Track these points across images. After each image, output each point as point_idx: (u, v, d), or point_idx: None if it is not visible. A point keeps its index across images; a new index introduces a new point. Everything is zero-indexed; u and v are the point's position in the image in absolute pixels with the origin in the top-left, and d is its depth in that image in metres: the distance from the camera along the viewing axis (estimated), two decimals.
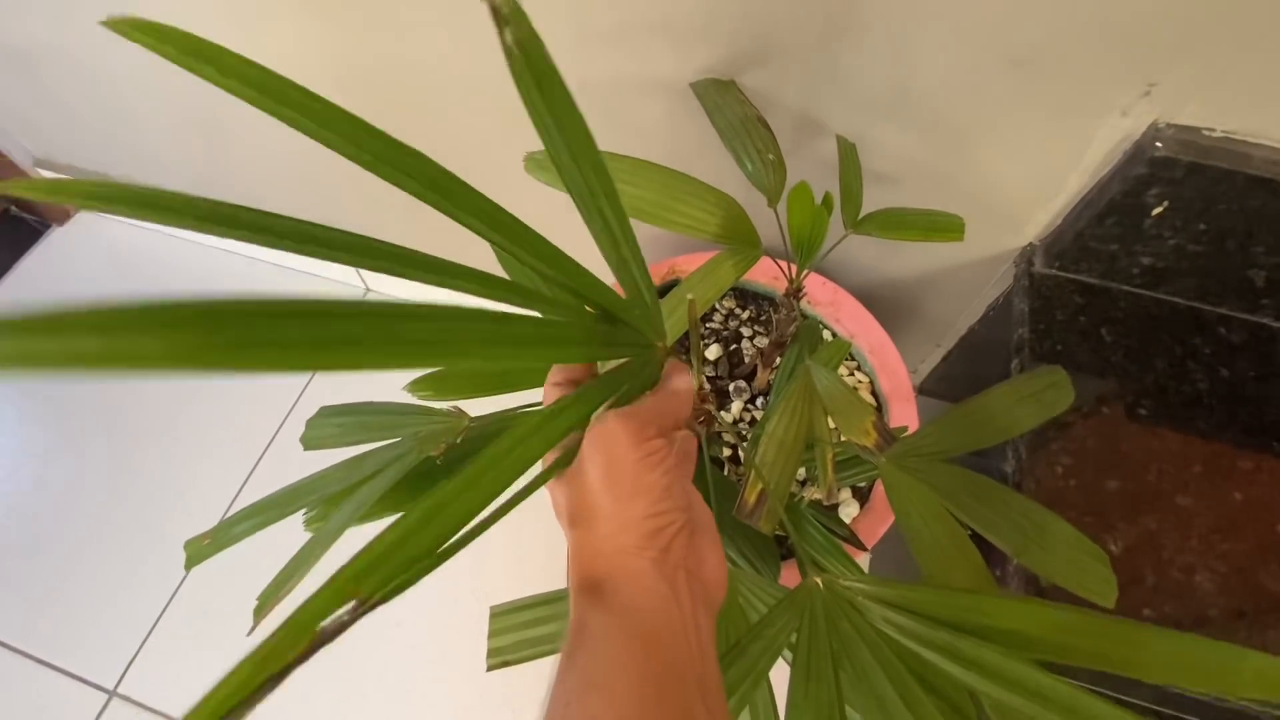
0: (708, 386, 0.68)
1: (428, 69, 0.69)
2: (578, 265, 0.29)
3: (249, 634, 0.38)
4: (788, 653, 0.29)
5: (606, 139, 0.65)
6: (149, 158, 1.05)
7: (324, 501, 0.42)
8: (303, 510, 0.42)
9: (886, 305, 0.76)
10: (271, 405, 1.05)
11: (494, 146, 0.76)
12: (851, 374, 0.68)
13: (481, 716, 0.82)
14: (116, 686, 0.84)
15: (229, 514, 0.93)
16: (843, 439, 0.40)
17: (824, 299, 0.69)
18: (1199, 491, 0.49)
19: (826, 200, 0.41)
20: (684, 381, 0.32)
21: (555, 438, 0.25)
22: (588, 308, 0.29)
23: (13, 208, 1.27)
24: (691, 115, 0.58)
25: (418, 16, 0.63)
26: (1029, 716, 0.25)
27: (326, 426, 0.46)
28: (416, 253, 0.26)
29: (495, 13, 0.25)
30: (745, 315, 0.72)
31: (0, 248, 1.23)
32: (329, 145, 0.26)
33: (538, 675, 0.82)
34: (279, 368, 0.16)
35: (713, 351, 0.69)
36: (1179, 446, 0.51)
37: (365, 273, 1.11)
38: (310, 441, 0.46)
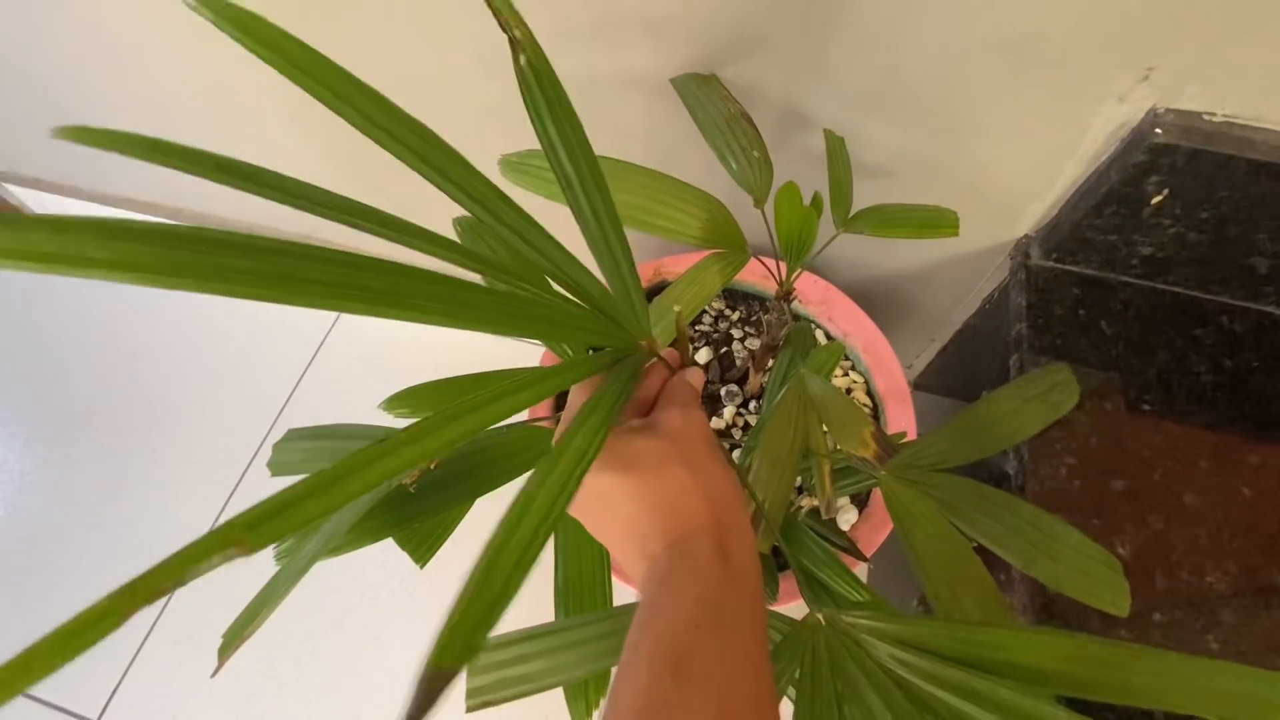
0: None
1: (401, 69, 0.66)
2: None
3: (213, 675, 0.36)
4: (792, 689, 0.27)
5: (592, 134, 0.62)
6: (116, 169, 1.01)
7: (286, 548, 0.40)
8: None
9: (879, 301, 0.74)
10: (251, 423, 1.02)
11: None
12: (846, 374, 0.66)
13: None
14: (100, 717, 0.81)
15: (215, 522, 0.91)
16: (840, 450, 0.38)
17: (816, 298, 0.67)
18: (1206, 489, 0.48)
19: (816, 201, 0.39)
20: (698, 378, 0.35)
21: (526, 403, 0.24)
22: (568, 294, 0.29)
23: None
24: (672, 112, 0.56)
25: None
26: None
27: (294, 451, 0.44)
28: (386, 214, 0.26)
29: (513, 43, 0.30)
30: (735, 316, 0.70)
31: None
32: (379, 140, 0.30)
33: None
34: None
35: (703, 355, 0.67)
36: (1184, 442, 0.50)
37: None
38: (277, 468, 0.43)
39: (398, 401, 0.47)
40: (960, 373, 0.80)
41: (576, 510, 0.30)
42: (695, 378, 0.36)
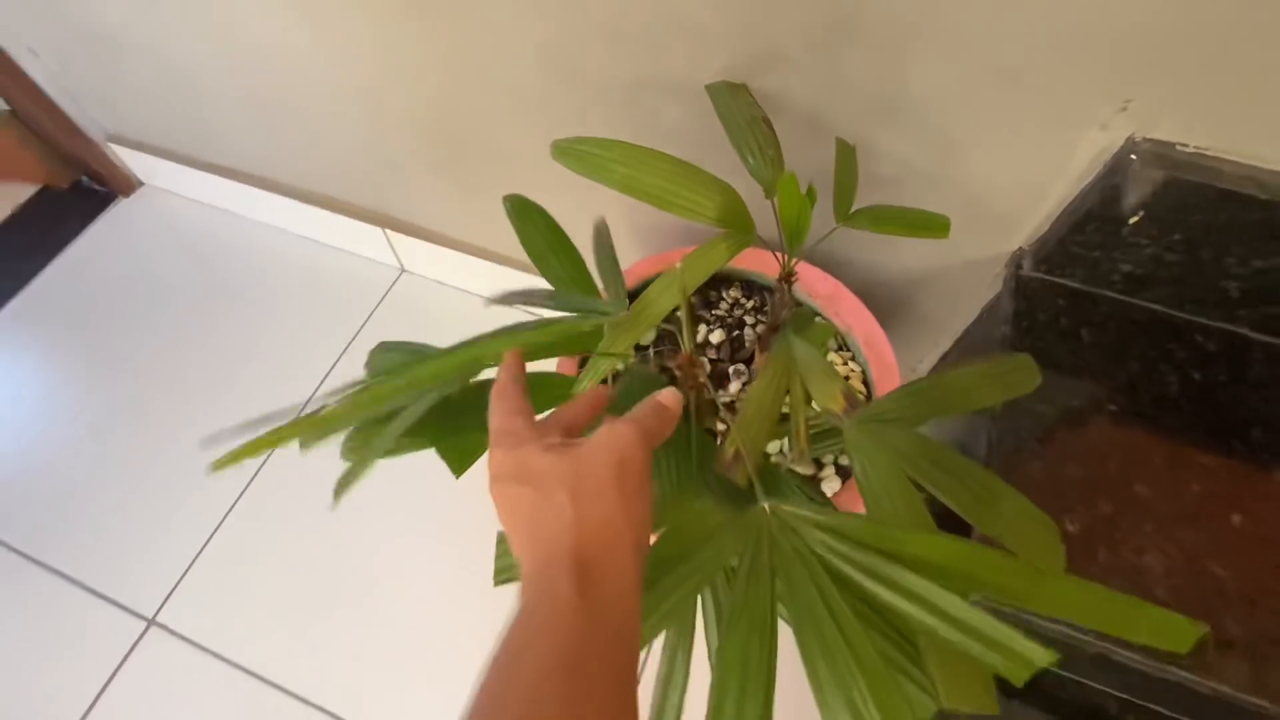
0: (709, 336, 0.73)
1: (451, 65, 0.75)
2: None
3: (332, 509, 0.44)
4: (736, 559, 0.34)
5: (626, 131, 0.71)
6: (214, 138, 1.14)
7: (359, 432, 0.48)
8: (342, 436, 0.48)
9: (886, 304, 0.80)
10: (324, 350, 1.13)
11: (506, 134, 0.82)
12: (845, 364, 0.72)
13: None
14: (155, 615, 0.92)
15: (271, 454, 1.01)
16: (817, 407, 0.45)
17: (825, 293, 0.73)
18: (1158, 482, 0.53)
19: (810, 191, 0.46)
20: (672, 399, 0.36)
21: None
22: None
23: (84, 178, 1.38)
24: (705, 115, 0.63)
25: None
26: (930, 627, 0.30)
27: (386, 357, 0.52)
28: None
29: None
30: (750, 305, 0.77)
31: (70, 216, 1.34)
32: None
33: None
34: None
35: (716, 336, 0.74)
36: (1143, 441, 0.55)
37: (401, 254, 1.19)
38: (374, 370, 0.52)
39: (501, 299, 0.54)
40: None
41: (492, 492, 0.33)
42: (670, 399, 0.36)
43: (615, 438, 0.32)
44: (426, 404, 0.42)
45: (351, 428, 0.47)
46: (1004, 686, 0.56)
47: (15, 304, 1.22)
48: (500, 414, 0.35)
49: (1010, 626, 0.30)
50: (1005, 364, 0.48)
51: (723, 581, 0.41)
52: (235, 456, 0.38)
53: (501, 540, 0.41)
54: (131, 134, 1.25)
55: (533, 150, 0.83)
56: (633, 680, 0.27)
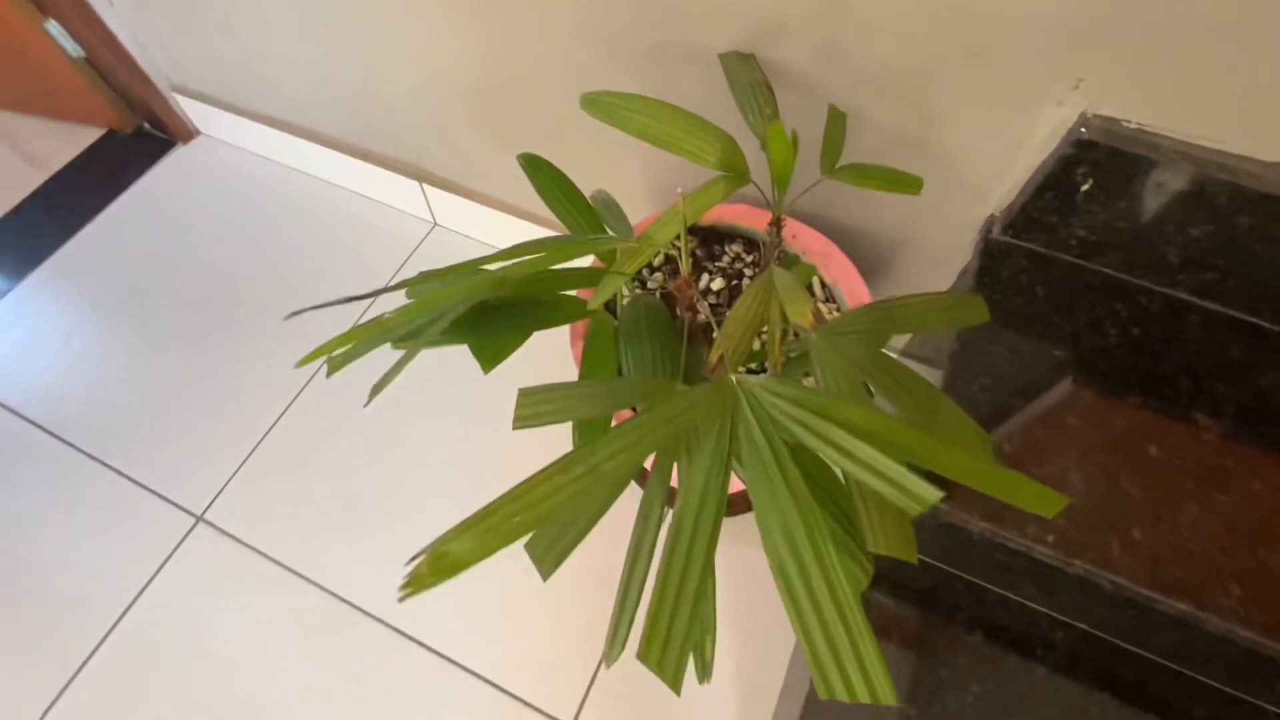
0: (710, 284, 0.81)
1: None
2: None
3: (364, 407, 0.54)
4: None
5: (646, 91, 0.80)
6: (272, 90, 1.23)
7: (408, 334, 0.57)
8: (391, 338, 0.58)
9: (875, 269, 0.88)
10: (392, 254, 1.24)
11: (547, 92, 0.90)
12: (831, 314, 0.80)
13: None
14: (204, 513, 1.03)
15: (311, 379, 1.11)
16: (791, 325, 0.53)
17: (817, 250, 0.81)
18: (1088, 416, 0.61)
19: (794, 137, 0.54)
20: None
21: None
22: None
23: (146, 125, 1.48)
24: (716, 82, 0.71)
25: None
26: (858, 476, 0.38)
27: (427, 281, 0.61)
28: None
29: None
30: (750, 259, 0.85)
31: (133, 160, 1.45)
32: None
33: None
34: None
35: (718, 284, 0.83)
36: (1080, 381, 0.63)
37: (435, 208, 1.28)
38: (414, 294, 0.61)
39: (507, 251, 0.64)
40: (939, 336, 0.93)
41: None
42: None
43: None
44: (464, 307, 0.51)
45: (403, 329, 0.56)
46: (944, 600, 0.66)
47: (80, 238, 1.34)
48: None
49: (906, 469, 0.38)
50: (957, 298, 0.56)
51: (693, 439, 0.49)
52: (314, 355, 0.48)
53: (524, 393, 0.49)
54: (193, 85, 1.35)
55: (564, 111, 0.91)
56: None
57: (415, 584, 0.36)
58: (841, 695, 0.35)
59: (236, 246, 1.31)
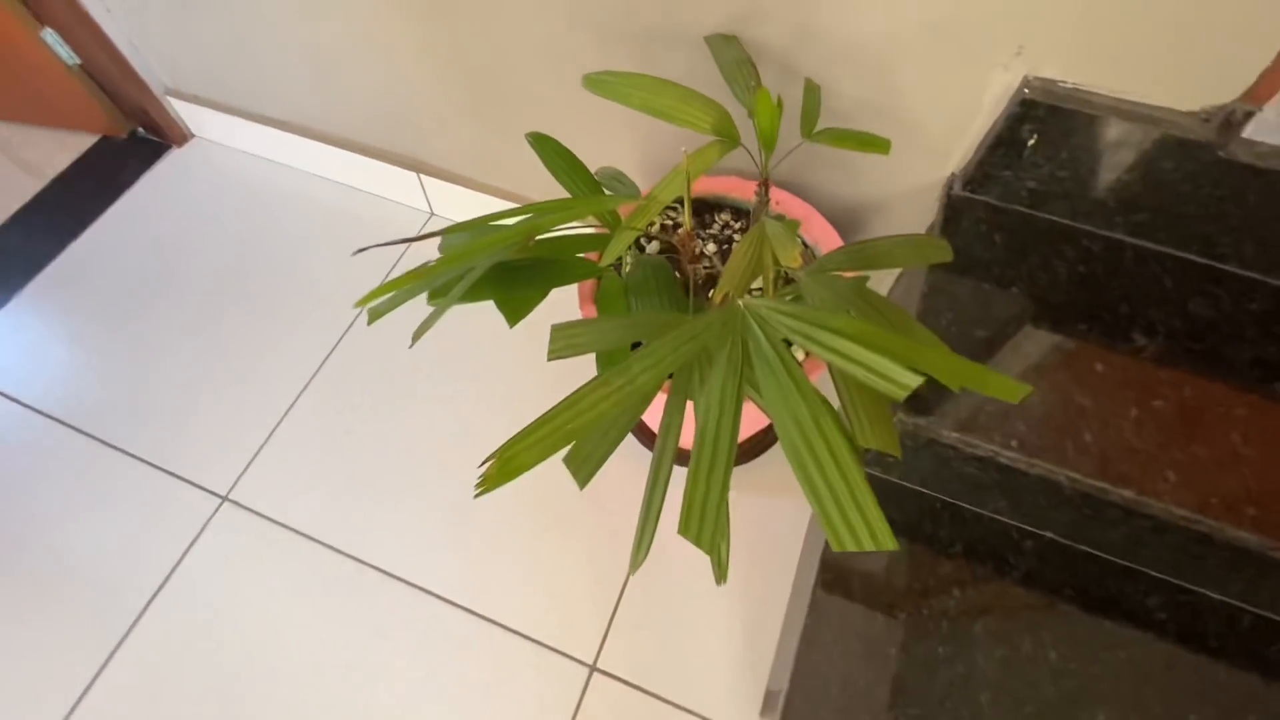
0: (704, 249, 0.88)
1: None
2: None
3: (409, 348, 0.60)
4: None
5: (640, 71, 0.88)
6: (266, 90, 1.28)
7: (438, 289, 0.64)
8: (426, 292, 0.64)
9: (849, 226, 0.96)
10: (360, 286, 1.29)
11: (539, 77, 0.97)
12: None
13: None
14: (229, 493, 1.08)
15: (323, 365, 1.17)
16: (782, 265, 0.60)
17: (799, 214, 0.89)
18: (1041, 342, 0.69)
19: (779, 101, 0.62)
20: None
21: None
22: None
23: (141, 129, 1.52)
24: (703, 62, 0.79)
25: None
26: (848, 371, 0.46)
27: (456, 234, 0.68)
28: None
29: None
30: (738, 226, 0.93)
31: (129, 164, 1.48)
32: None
33: (578, 509, 1.04)
34: None
35: (710, 248, 0.90)
36: (1035, 313, 0.71)
37: (432, 198, 1.34)
38: (445, 248, 0.67)
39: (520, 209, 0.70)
40: (913, 289, 1.02)
41: None
42: None
43: None
44: (490, 262, 0.57)
45: (436, 282, 0.63)
46: (925, 518, 0.74)
47: (82, 241, 1.37)
48: None
49: (890, 360, 0.45)
50: (923, 238, 0.64)
51: (705, 361, 0.57)
52: (373, 295, 0.54)
53: (557, 329, 0.56)
54: (187, 88, 1.39)
55: (560, 96, 0.98)
56: None
57: (488, 484, 0.43)
58: (850, 545, 0.42)
59: (237, 243, 1.36)
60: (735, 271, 0.60)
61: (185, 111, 1.44)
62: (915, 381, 0.46)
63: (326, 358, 1.19)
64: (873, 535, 0.42)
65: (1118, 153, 0.69)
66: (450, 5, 0.92)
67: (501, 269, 0.63)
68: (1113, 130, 0.67)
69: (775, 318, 0.48)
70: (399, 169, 1.29)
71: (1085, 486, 0.63)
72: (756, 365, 0.48)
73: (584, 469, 0.52)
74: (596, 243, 0.72)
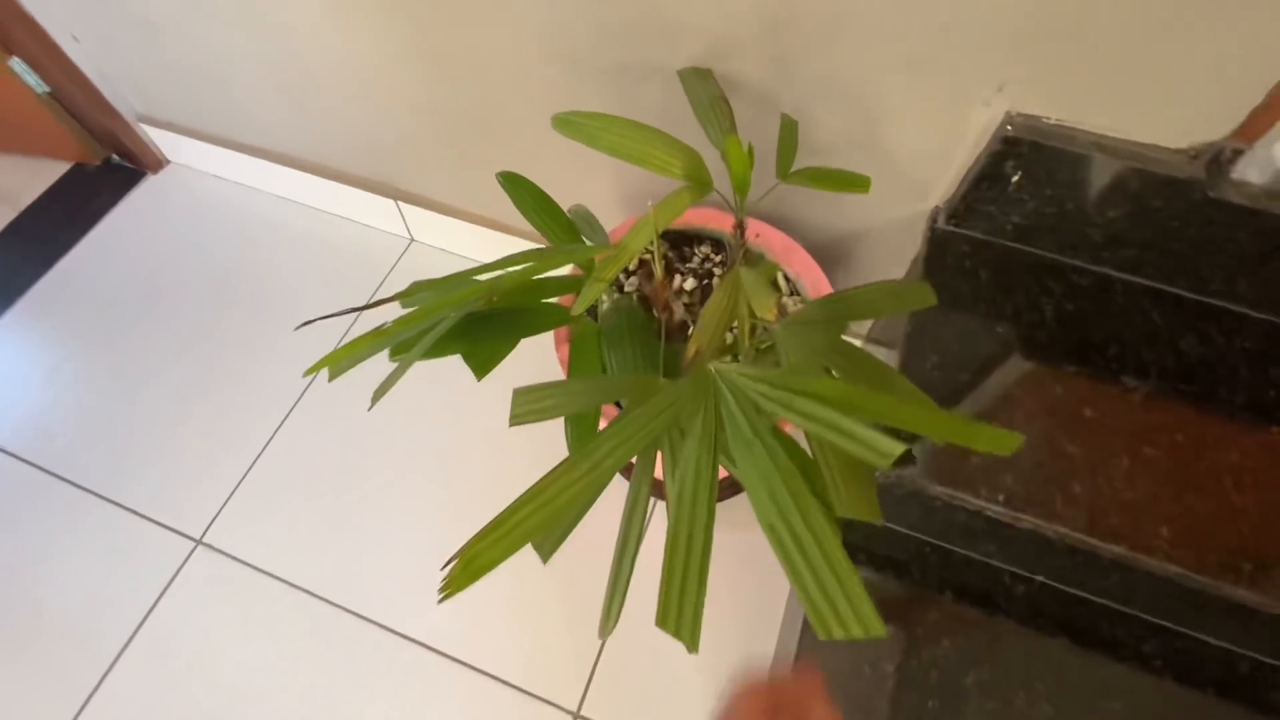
0: (683, 284, 0.86)
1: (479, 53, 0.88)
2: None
3: (368, 410, 0.57)
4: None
5: (612, 106, 0.86)
6: (241, 118, 1.25)
7: (401, 344, 0.61)
8: (387, 348, 0.62)
9: (833, 258, 0.94)
10: (371, 272, 1.27)
11: (520, 112, 0.95)
12: (795, 306, 0.86)
13: None
14: (203, 535, 1.05)
15: (301, 397, 1.13)
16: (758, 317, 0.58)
17: (780, 247, 0.87)
18: (1028, 386, 0.67)
19: (750, 150, 0.60)
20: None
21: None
22: None
23: (114, 156, 1.49)
24: (678, 94, 0.77)
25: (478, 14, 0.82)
26: (827, 439, 0.43)
27: (420, 290, 0.65)
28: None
29: None
30: (718, 259, 0.90)
31: (103, 191, 1.45)
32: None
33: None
34: None
35: (690, 284, 0.88)
36: (1022, 354, 0.69)
37: (411, 224, 1.31)
38: (408, 303, 0.65)
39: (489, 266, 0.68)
40: (900, 325, 1.00)
41: None
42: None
43: None
44: (456, 317, 0.55)
45: (399, 338, 0.60)
46: (912, 564, 0.71)
47: (56, 271, 1.34)
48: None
49: (870, 428, 0.43)
50: (906, 285, 0.62)
51: (676, 434, 0.54)
52: (323, 363, 0.51)
53: (519, 393, 0.53)
54: (160, 114, 1.36)
55: (534, 127, 0.96)
56: None
57: (451, 587, 0.41)
58: (837, 633, 0.40)
59: (214, 272, 1.33)
60: (709, 325, 0.58)
61: (159, 138, 1.41)
62: (898, 449, 0.44)
63: (302, 394, 1.16)
64: (860, 623, 0.40)
65: (1104, 189, 0.66)
66: (421, 36, 0.89)
67: (468, 320, 0.61)
68: (1098, 167, 0.65)
69: (749, 385, 0.46)
70: (377, 196, 1.27)
71: (1075, 541, 0.61)
72: (730, 436, 0.46)
73: (547, 545, 0.49)
74: (569, 285, 0.70)
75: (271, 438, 1.13)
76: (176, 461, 1.11)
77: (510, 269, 0.60)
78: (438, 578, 1.13)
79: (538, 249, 0.59)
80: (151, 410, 1.16)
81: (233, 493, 1.08)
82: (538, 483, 0.44)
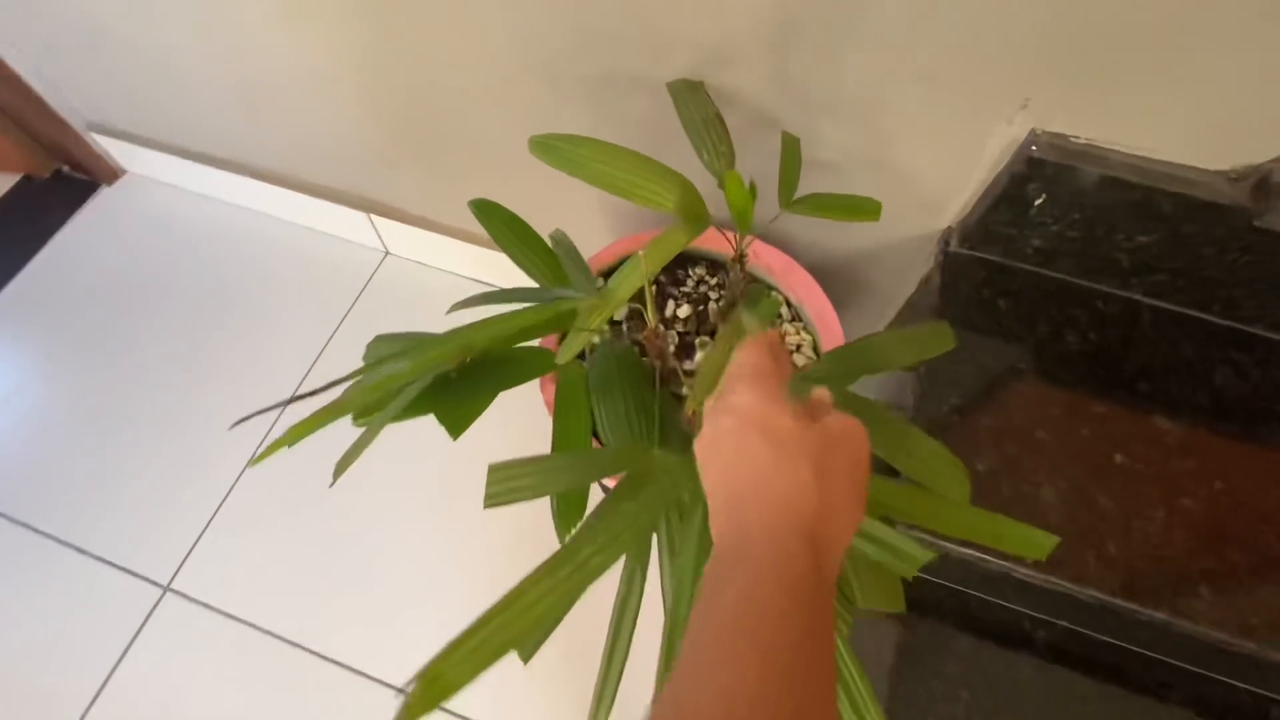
0: (667, 331, 0.80)
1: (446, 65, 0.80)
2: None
3: (330, 487, 0.51)
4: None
5: (596, 120, 0.78)
6: (194, 125, 1.17)
7: (366, 408, 0.55)
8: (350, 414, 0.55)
9: (837, 277, 0.88)
10: (316, 331, 1.19)
11: (495, 130, 0.87)
12: (798, 333, 0.80)
13: None
14: (170, 582, 0.99)
15: (271, 428, 1.06)
16: None
17: (779, 269, 0.81)
18: (1054, 428, 0.62)
19: (752, 186, 0.53)
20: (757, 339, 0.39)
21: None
22: None
23: (65, 167, 1.40)
24: (668, 107, 0.70)
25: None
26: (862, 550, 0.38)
27: (383, 348, 0.59)
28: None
29: None
30: (714, 281, 0.84)
31: (55, 205, 1.36)
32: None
33: None
34: None
35: (684, 311, 0.82)
36: (1046, 393, 0.64)
37: (385, 237, 1.24)
38: (369, 360, 0.59)
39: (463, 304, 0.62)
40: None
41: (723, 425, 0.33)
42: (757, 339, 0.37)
43: (858, 434, 0.33)
44: (424, 383, 0.49)
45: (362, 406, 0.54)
46: (929, 610, 0.66)
47: (8, 291, 1.25)
48: (758, 359, 0.36)
49: (901, 534, 0.38)
50: (922, 330, 0.56)
51: (675, 517, 0.49)
52: (270, 452, 0.45)
53: (494, 469, 0.48)
54: (112, 123, 1.27)
55: (512, 139, 0.88)
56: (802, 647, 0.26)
57: (412, 712, 0.35)
58: None
59: (179, 289, 1.25)
60: (708, 382, 0.52)
61: (112, 148, 1.32)
62: (927, 557, 0.39)
63: (272, 426, 1.09)
64: None
65: (1135, 213, 0.61)
66: (385, 39, 0.82)
67: (439, 380, 0.54)
68: (1129, 190, 0.59)
69: None
70: (348, 209, 1.19)
71: (1110, 604, 0.56)
72: None
73: (526, 647, 0.44)
74: (551, 324, 0.63)
75: (240, 476, 1.06)
76: (140, 501, 1.04)
77: (488, 311, 0.54)
78: (420, 620, 1.06)
79: (507, 316, 0.53)
80: (113, 445, 1.09)
81: (201, 534, 1.01)
82: (513, 590, 0.38)
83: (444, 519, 1.02)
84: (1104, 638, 0.69)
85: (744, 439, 0.32)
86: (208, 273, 1.27)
